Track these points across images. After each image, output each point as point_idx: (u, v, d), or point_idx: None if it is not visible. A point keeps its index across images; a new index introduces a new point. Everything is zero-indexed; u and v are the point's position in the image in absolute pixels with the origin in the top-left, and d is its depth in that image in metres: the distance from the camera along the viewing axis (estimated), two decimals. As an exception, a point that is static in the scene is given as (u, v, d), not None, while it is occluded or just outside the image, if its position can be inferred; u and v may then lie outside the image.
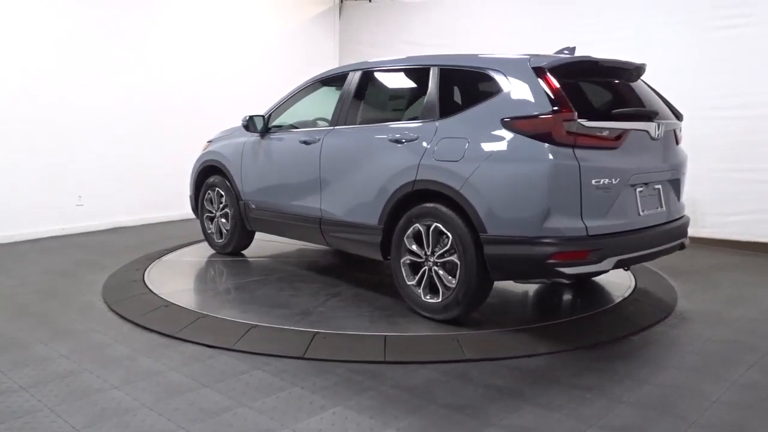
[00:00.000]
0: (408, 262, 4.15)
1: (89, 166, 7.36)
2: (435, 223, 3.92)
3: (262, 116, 5.43)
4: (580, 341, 3.75)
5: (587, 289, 4.75)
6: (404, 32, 9.33)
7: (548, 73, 3.67)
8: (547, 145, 3.50)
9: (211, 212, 6.10)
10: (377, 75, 4.83)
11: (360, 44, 9.84)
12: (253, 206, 5.53)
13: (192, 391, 3.02)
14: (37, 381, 3.14)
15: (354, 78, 4.81)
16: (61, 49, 7.02)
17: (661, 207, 3.99)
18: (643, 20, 7.05)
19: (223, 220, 5.94)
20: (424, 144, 4.02)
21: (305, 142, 4.94)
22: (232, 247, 5.95)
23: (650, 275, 5.25)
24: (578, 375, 3.26)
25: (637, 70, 4.26)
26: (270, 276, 5.19)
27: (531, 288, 4.78)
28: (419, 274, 4.07)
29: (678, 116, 4.34)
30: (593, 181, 3.53)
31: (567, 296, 4.67)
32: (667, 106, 4.33)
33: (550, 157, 3.47)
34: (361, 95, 4.78)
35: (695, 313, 4.36)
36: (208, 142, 6.31)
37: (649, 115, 3.97)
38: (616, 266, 3.67)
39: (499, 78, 3.82)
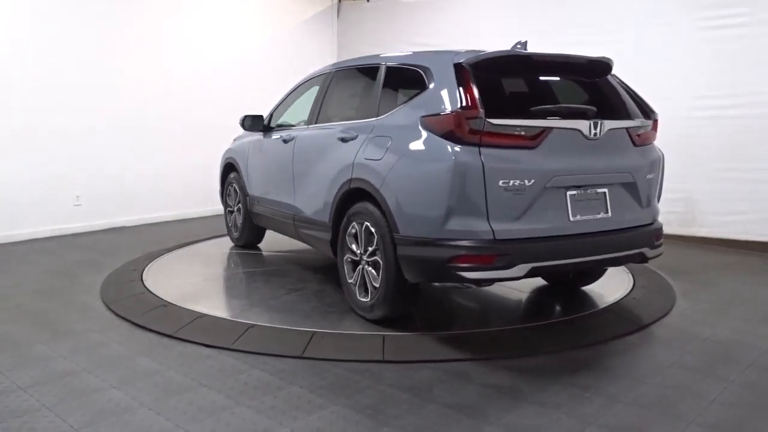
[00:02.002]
0: (349, 260, 4.16)
1: (87, 166, 7.34)
2: (365, 222, 3.90)
3: (260, 116, 5.56)
4: (578, 341, 3.75)
5: (586, 288, 4.75)
6: (402, 32, 9.33)
7: (465, 70, 3.54)
8: (450, 143, 3.39)
9: (230, 207, 6.37)
10: (343, 75, 4.90)
11: (358, 44, 9.83)
12: (255, 202, 5.71)
13: (190, 391, 3.02)
14: (35, 381, 3.13)
15: (327, 78, 4.98)
16: (59, 50, 7.00)
17: (606, 213, 3.68)
18: (640, 20, 7.06)
19: (238, 214, 6.22)
20: (360, 142, 4.05)
21: (284, 141, 5.16)
22: (243, 240, 6.27)
23: (649, 274, 5.26)
24: (577, 374, 3.26)
25: (593, 65, 3.98)
26: (260, 270, 5.19)
27: (531, 287, 4.77)
28: (356, 273, 4.09)
29: (648, 115, 4.00)
30: (500, 182, 3.32)
31: (566, 296, 4.67)
32: (637, 103, 4.03)
33: (452, 156, 3.35)
34: (329, 95, 4.89)
35: (693, 312, 4.36)
36: (234, 140, 6.49)
37: (584, 113, 3.67)
38: (531, 274, 3.43)
39: (426, 75, 3.78)
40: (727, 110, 6.45)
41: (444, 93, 3.56)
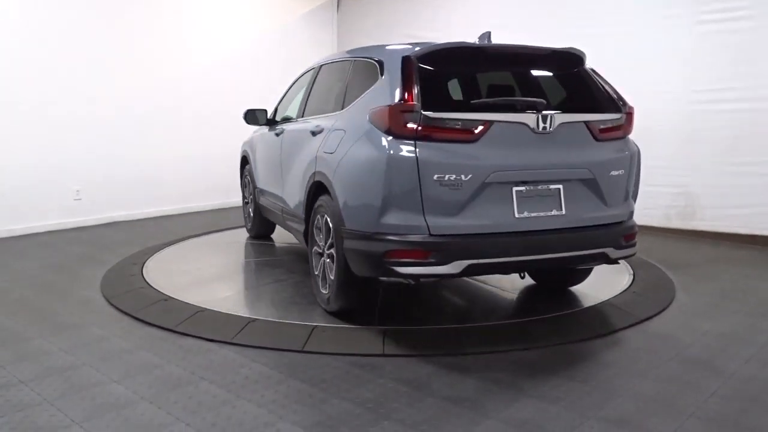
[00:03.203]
0: (315, 252, 4.18)
1: (87, 160, 7.35)
2: (326, 215, 3.91)
3: (263, 110, 5.62)
4: (577, 334, 3.76)
5: (585, 283, 4.75)
6: (402, 25, 9.31)
7: (411, 63, 3.50)
8: (386, 137, 3.37)
9: (246, 198, 6.55)
10: (325, 70, 4.94)
11: (358, 37, 9.80)
12: (261, 194, 5.88)
13: (191, 385, 3.03)
14: (36, 375, 3.14)
15: (314, 73, 5.06)
16: (58, 45, 6.99)
17: (560, 210, 3.52)
18: (640, 13, 7.04)
19: (251, 206, 6.39)
20: (323, 136, 4.09)
21: (276, 135, 5.27)
22: (254, 231, 6.45)
23: (648, 268, 5.26)
24: (575, 368, 3.26)
25: (560, 57, 3.87)
26: (262, 262, 5.20)
27: (526, 284, 4.77)
28: (319, 265, 4.11)
29: (619, 108, 3.81)
30: (435, 177, 3.25)
31: (563, 290, 4.67)
32: (608, 96, 3.85)
33: (387, 149, 3.33)
34: (313, 89, 4.95)
35: (693, 305, 4.36)
36: (253, 132, 6.61)
37: (533, 106, 3.55)
38: (468, 272, 3.35)
39: (380, 69, 3.77)
40: (729, 104, 6.44)
41: (388, 86, 3.55)
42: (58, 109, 7.02)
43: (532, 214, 3.46)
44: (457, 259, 3.27)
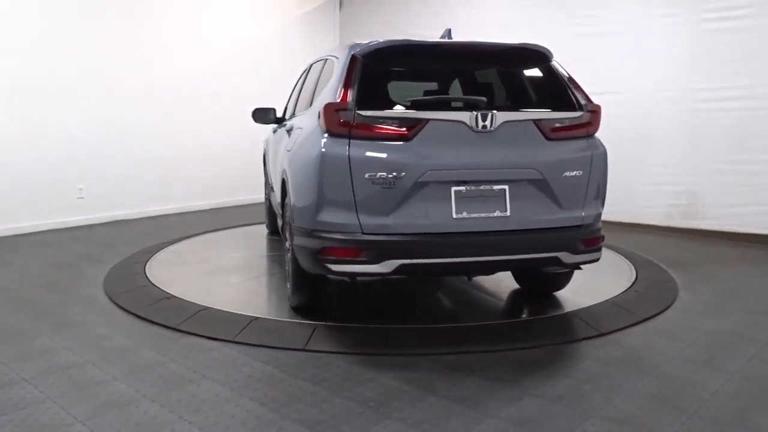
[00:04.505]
0: (286, 248, 4.23)
1: (90, 159, 7.36)
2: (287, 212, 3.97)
3: (270, 108, 5.62)
4: (579, 333, 3.76)
5: (587, 282, 4.75)
6: (405, 24, 9.31)
7: (355, 60, 3.51)
8: (323, 135, 3.39)
9: (266, 194, 6.66)
10: (312, 69, 4.99)
11: (360, 36, 9.81)
12: (271, 191, 5.97)
13: (193, 383, 3.04)
14: (39, 373, 3.15)
15: (305, 72, 5.18)
16: (62, 43, 7.00)
17: (504, 212, 3.40)
18: (643, 12, 7.03)
19: (266, 202, 6.59)
20: (292, 134, 4.14)
21: (273, 132, 5.42)
22: (270, 227, 6.59)
23: (651, 267, 5.26)
24: (577, 366, 3.26)
25: (515, 53, 3.78)
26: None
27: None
28: (287, 261, 4.17)
29: (580, 107, 3.63)
30: (367, 175, 3.24)
31: (568, 288, 4.67)
32: (567, 94, 3.68)
33: (322, 147, 3.34)
34: (303, 88, 5.00)
35: (696, 304, 4.36)
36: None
37: (474, 104, 3.47)
38: (401, 271, 3.29)
39: (335, 67, 3.78)
40: (730, 102, 6.43)
41: (335, 84, 3.56)
42: (61, 108, 7.03)
43: (472, 215, 3.36)
44: (389, 259, 3.25)
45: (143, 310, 4.12)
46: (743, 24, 6.31)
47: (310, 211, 3.40)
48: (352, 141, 3.29)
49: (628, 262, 5.41)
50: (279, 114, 5.73)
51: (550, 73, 3.77)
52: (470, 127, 3.34)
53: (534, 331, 3.80)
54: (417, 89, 4.21)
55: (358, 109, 3.30)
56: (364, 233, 3.27)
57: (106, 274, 5.04)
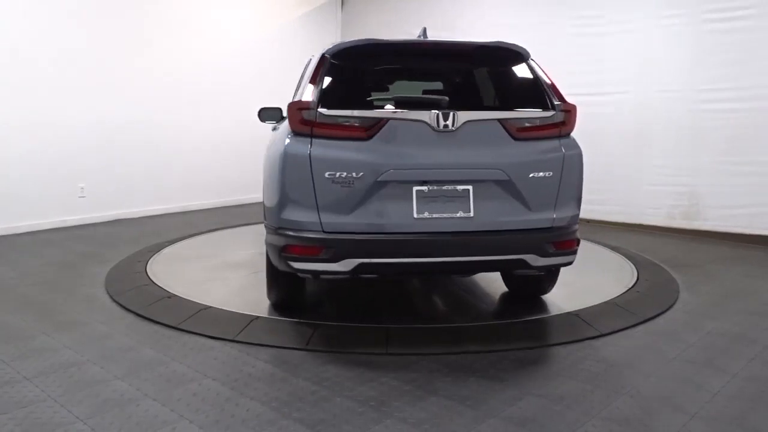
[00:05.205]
0: None
1: (91, 157, 7.36)
2: None
3: (275, 108, 5.59)
4: (580, 333, 3.75)
5: (589, 281, 4.75)
6: (407, 23, 9.30)
7: (324, 59, 3.55)
8: (288, 133, 3.42)
9: None
10: (306, 66, 4.95)
11: (362, 35, 9.83)
12: None
13: (194, 382, 3.04)
14: (40, 371, 3.15)
15: (303, 71, 5.08)
16: (63, 42, 7.00)
17: (467, 212, 3.35)
18: (644, 12, 7.03)
19: None
20: (273, 133, 4.17)
21: (273, 131, 5.35)
22: None
23: (652, 268, 5.25)
24: (579, 366, 3.26)
25: (487, 52, 3.74)
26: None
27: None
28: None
29: (552, 107, 3.54)
30: (327, 174, 3.25)
31: (569, 288, 4.67)
32: (539, 93, 3.59)
33: (285, 146, 3.37)
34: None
35: (697, 305, 4.36)
36: None
37: (436, 103, 3.46)
38: (360, 270, 3.29)
39: (308, 66, 3.80)
40: (732, 103, 6.43)
41: (303, 84, 3.59)
42: (62, 106, 7.04)
43: (434, 215, 3.32)
44: (348, 257, 3.25)
45: (144, 309, 4.12)
46: (745, 24, 6.30)
47: (275, 209, 3.44)
48: (314, 140, 3.31)
49: (630, 262, 5.41)
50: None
51: (525, 72, 3.72)
52: (431, 127, 3.32)
53: (535, 331, 3.80)
54: (388, 89, 4.21)
55: (322, 109, 3.32)
56: (325, 232, 3.28)
57: (107, 273, 5.04)
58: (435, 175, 3.33)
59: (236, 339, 3.60)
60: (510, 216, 3.41)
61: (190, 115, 8.36)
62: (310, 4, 9.99)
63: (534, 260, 3.40)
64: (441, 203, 3.33)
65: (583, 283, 4.75)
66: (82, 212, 7.33)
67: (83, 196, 7.33)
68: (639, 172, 7.19)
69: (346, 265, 3.25)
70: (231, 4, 8.88)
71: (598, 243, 6.32)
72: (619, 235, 6.81)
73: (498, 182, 3.38)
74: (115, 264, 5.32)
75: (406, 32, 9.04)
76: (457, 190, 3.35)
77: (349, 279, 3.46)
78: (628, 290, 4.59)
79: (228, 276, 5.11)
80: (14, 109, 6.65)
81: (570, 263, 3.61)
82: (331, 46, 3.67)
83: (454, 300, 4.58)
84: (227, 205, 8.92)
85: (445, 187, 3.34)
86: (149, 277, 4.83)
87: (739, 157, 6.44)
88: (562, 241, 3.48)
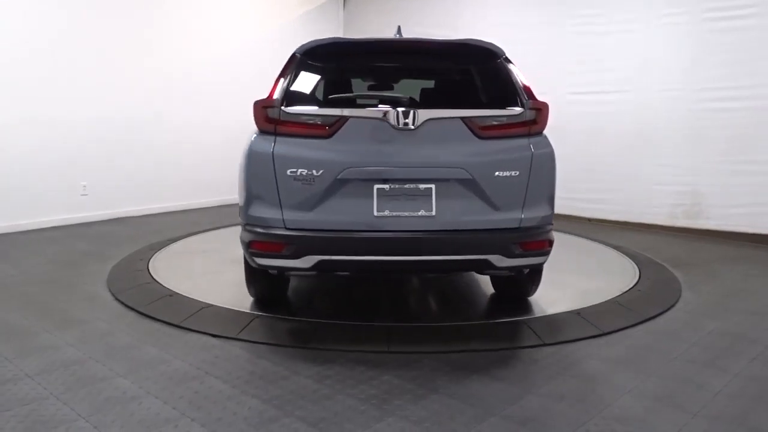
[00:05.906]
0: None
1: (94, 156, 7.37)
2: None
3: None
4: (582, 332, 3.75)
5: (591, 281, 4.75)
6: (408, 22, 9.28)
7: (294, 58, 3.62)
8: (255, 131, 3.50)
9: None
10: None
11: (364, 34, 9.81)
12: None
13: (196, 380, 3.04)
14: (42, 369, 3.16)
15: None
16: (64, 41, 7.01)
17: (429, 211, 3.32)
18: (644, 12, 7.02)
19: None
20: None
21: None
22: None
23: (654, 267, 5.25)
24: (580, 365, 3.26)
25: (456, 50, 3.73)
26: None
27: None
28: None
29: (519, 104, 3.48)
30: (288, 172, 3.30)
31: (570, 288, 4.67)
32: (508, 91, 3.54)
33: (250, 144, 3.45)
34: None
35: (699, 304, 4.35)
36: None
37: (396, 101, 3.45)
38: (321, 267, 3.34)
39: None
40: (734, 102, 6.42)
41: (275, 81, 3.62)
42: (64, 104, 7.04)
43: (395, 214, 3.32)
44: (309, 254, 3.30)
45: (146, 306, 4.12)
46: (746, 23, 6.29)
47: (244, 206, 3.50)
48: (277, 138, 3.37)
49: (632, 261, 5.41)
50: None
51: (496, 70, 3.66)
52: (391, 125, 3.33)
53: (537, 329, 3.80)
54: (357, 87, 4.22)
55: (286, 107, 3.38)
56: (287, 228, 3.32)
57: (109, 271, 5.05)
58: (395, 173, 3.33)
59: (238, 337, 3.60)
60: (474, 215, 3.37)
61: (192, 113, 8.36)
62: (312, 2, 9.98)
63: (499, 261, 3.36)
64: (402, 202, 3.33)
65: (585, 282, 4.75)
66: (84, 210, 7.34)
67: (85, 194, 7.34)
68: (640, 171, 7.19)
69: (307, 261, 3.30)
70: (233, 3, 8.88)
71: (600, 242, 6.32)
72: (620, 234, 6.80)
73: (461, 181, 3.35)
74: (117, 262, 5.33)
75: (411, 31, 9.00)
76: (419, 188, 3.33)
77: (315, 275, 3.56)
78: (629, 289, 4.59)
79: (229, 274, 5.11)
80: (16, 108, 6.65)
81: (540, 264, 3.58)
82: (305, 44, 3.70)
83: (455, 298, 4.58)
84: (229, 203, 8.91)
85: (407, 186, 3.33)
86: (151, 275, 4.84)
87: (740, 156, 6.44)
88: (530, 242, 3.42)
